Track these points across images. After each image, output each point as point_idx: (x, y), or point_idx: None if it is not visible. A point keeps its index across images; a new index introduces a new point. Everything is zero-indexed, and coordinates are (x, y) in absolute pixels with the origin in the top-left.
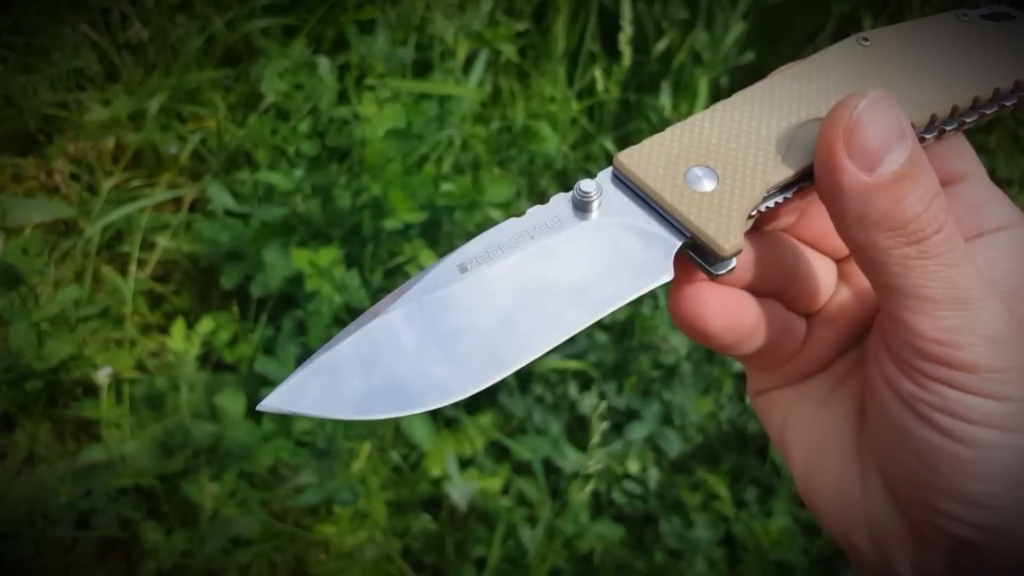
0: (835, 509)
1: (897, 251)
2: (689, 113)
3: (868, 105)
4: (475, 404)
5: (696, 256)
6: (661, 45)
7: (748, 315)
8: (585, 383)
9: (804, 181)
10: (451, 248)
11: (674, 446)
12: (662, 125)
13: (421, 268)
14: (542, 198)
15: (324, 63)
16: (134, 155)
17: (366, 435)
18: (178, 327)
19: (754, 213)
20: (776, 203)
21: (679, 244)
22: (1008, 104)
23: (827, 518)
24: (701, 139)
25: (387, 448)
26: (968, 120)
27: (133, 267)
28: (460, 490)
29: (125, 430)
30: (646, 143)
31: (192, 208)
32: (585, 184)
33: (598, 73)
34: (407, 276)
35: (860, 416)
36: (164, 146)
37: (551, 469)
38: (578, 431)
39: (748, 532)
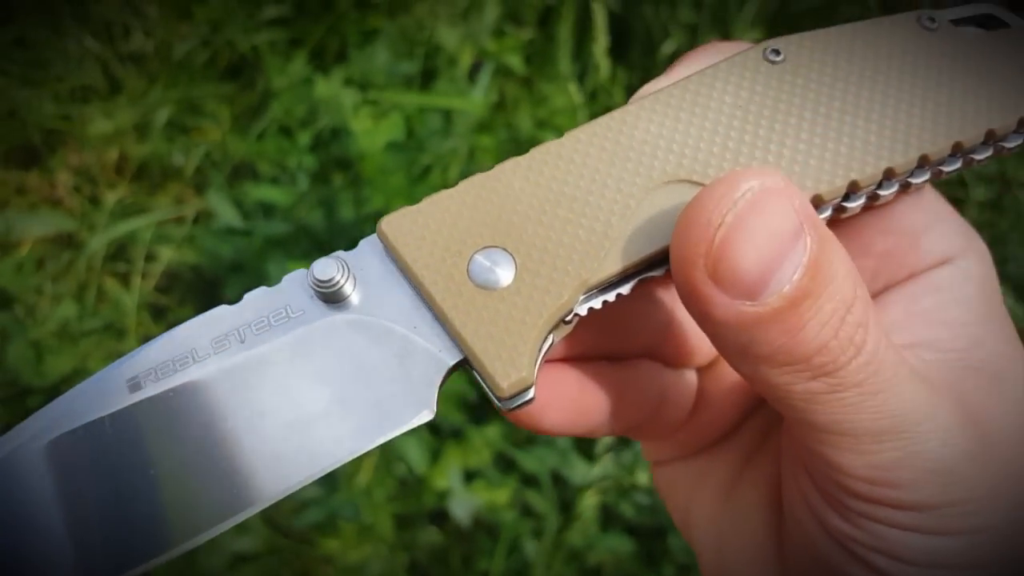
0: None
1: (799, 387)
2: None
3: (742, 217)
4: (482, 415)
5: (480, 377)
6: (668, 49)
7: (597, 400)
8: None
9: (655, 269)
10: None
11: None
12: None
13: None
14: None
15: (328, 78)
16: (138, 167)
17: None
18: None
19: (571, 318)
20: (606, 302)
21: (450, 364)
22: (1000, 151)
23: None
24: (504, 206)
25: (392, 460)
26: (947, 169)
27: (137, 280)
28: (462, 505)
29: None
30: (424, 204)
31: (196, 219)
32: (323, 267)
33: (603, 79)
34: None
35: (779, 513)
36: (169, 158)
37: (559, 481)
38: (586, 443)
39: None
